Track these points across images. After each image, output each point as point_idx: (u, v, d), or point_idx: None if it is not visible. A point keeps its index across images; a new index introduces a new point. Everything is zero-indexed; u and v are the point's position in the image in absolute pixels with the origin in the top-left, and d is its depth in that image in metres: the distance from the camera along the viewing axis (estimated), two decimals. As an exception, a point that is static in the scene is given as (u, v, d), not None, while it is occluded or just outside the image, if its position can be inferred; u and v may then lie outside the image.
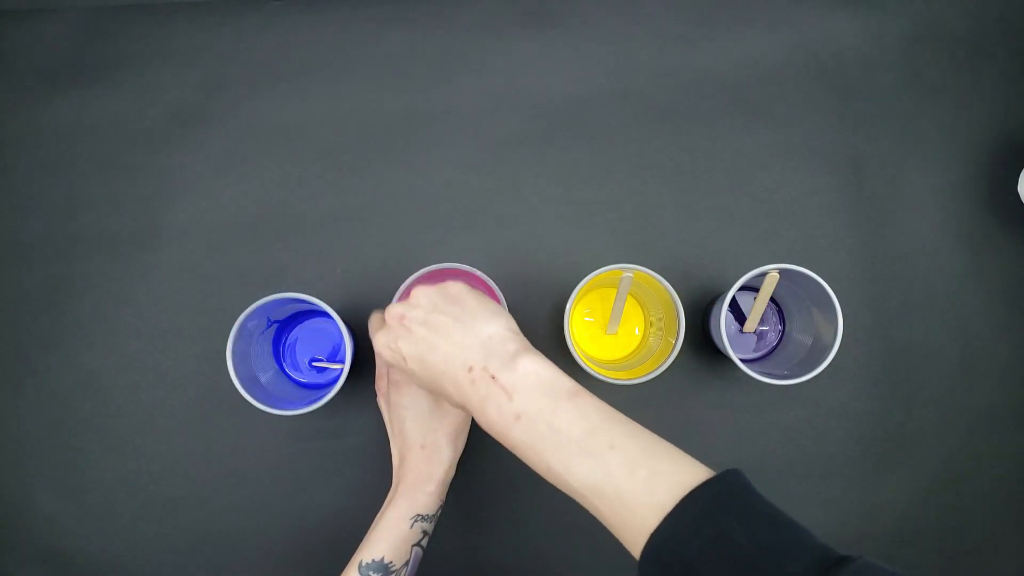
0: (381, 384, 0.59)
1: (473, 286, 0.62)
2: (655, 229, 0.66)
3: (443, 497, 0.55)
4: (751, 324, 0.61)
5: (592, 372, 0.56)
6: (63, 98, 0.67)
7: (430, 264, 0.55)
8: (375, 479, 0.64)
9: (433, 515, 0.54)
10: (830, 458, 0.65)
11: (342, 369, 0.55)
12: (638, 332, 0.64)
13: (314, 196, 0.66)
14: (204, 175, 0.66)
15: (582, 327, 0.64)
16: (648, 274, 0.55)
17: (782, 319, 0.64)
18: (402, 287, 0.54)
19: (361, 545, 0.52)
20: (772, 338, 0.64)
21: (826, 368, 0.54)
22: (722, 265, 0.66)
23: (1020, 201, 0.66)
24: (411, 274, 0.54)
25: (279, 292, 0.54)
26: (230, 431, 0.64)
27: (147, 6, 0.68)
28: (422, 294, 0.47)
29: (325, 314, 0.56)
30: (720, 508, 0.35)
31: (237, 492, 0.64)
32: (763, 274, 0.55)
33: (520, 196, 0.66)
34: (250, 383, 0.55)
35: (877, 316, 0.66)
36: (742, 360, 0.56)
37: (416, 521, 0.53)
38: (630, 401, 0.65)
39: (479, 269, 0.55)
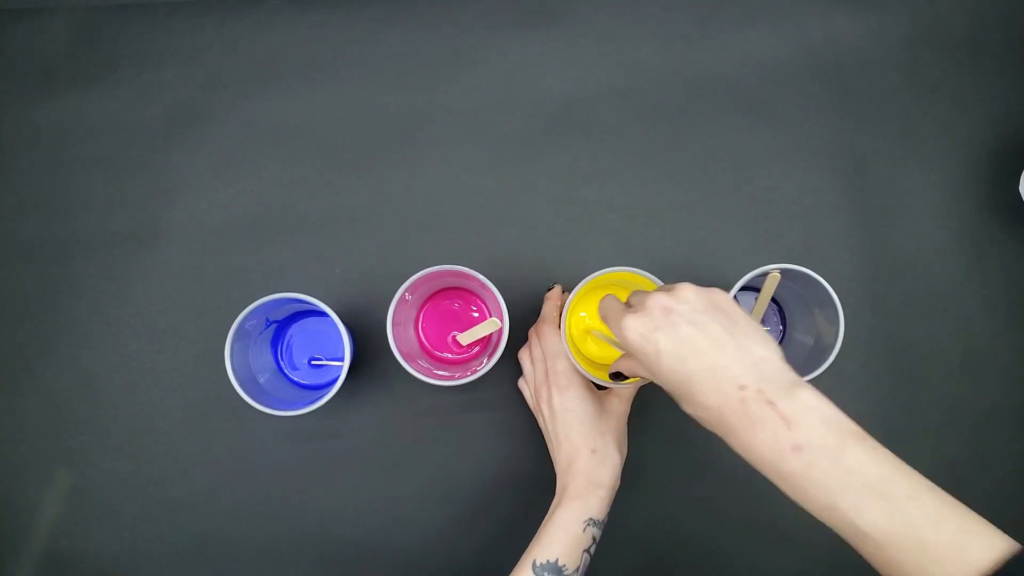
0: (543, 390, 0.56)
1: (473, 287, 0.62)
2: (655, 229, 0.66)
3: (610, 504, 0.54)
4: (752, 324, 0.60)
5: (589, 376, 0.55)
6: (62, 97, 0.66)
7: (429, 264, 0.55)
8: (374, 480, 0.64)
9: (602, 521, 0.53)
10: (831, 459, 0.64)
11: (341, 369, 0.55)
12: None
13: (313, 196, 0.66)
14: (203, 175, 0.66)
15: (580, 328, 0.63)
16: (648, 278, 0.55)
17: (783, 319, 0.64)
18: (400, 289, 0.54)
19: (532, 545, 0.51)
20: (773, 339, 0.64)
21: (827, 369, 0.54)
22: (722, 265, 0.65)
23: (1021, 201, 0.66)
24: (410, 274, 0.54)
25: (278, 292, 0.54)
26: (229, 432, 0.64)
27: (146, 5, 0.68)
28: (691, 291, 0.44)
29: (324, 314, 0.55)
30: None
31: (236, 493, 0.64)
32: (764, 274, 0.55)
33: (520, 196, 0.66)
34: (249, 384, 0.55)
35: (878, 316, 0.65)
36: (743, 360, 0.56)
37: (588, 525, 0.51)
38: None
39: (479, 269, 0.55)
